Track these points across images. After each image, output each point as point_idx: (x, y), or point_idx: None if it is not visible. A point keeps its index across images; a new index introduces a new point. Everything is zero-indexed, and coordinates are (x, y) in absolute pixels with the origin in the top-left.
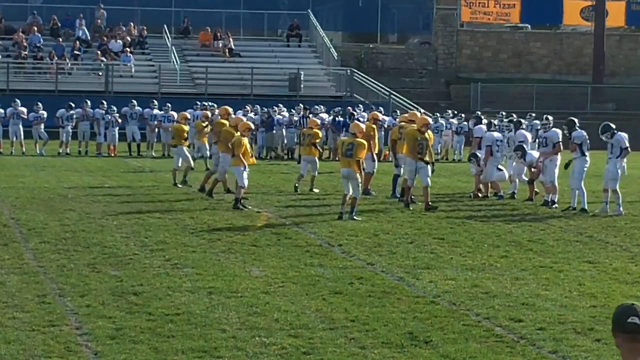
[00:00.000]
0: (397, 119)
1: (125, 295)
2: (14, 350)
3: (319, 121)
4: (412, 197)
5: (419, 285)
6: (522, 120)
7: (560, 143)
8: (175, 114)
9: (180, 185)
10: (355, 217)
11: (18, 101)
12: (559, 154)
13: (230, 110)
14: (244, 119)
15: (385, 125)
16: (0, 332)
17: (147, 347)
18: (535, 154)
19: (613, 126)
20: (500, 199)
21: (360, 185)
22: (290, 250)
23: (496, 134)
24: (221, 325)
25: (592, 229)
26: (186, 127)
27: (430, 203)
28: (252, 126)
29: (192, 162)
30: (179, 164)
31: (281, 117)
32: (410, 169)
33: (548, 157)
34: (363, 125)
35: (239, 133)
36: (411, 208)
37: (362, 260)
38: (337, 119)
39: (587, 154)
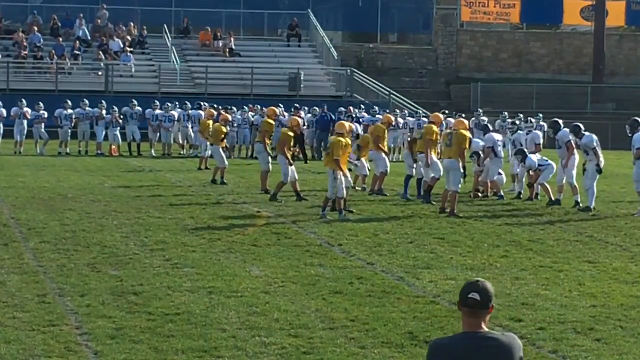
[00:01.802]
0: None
1: (125, 295)
2: (14, 350)
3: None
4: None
5: (419, 285)
6: (532, 119)
7: (572, 141)
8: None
9: (218, 184)
10: (346, 217)
11: (24, 101)
12: (575, 153)
13: (278, 111)
14: (300, 120)
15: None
16: (0, 332)
17: (147, 347)
18: (535, 158)
19: None
20: (501, 199)
21: (339, 184)
22: (290, 250)
23: (496, 135)
24: (221, 325)
25: (592, 229)
26: (225, 129)
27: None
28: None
29: (226, 162)
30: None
31: (257, 117)
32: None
33: (565, 159)
34: (347, 124)
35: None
36: (434, 203)
37: (362, 260)
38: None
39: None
